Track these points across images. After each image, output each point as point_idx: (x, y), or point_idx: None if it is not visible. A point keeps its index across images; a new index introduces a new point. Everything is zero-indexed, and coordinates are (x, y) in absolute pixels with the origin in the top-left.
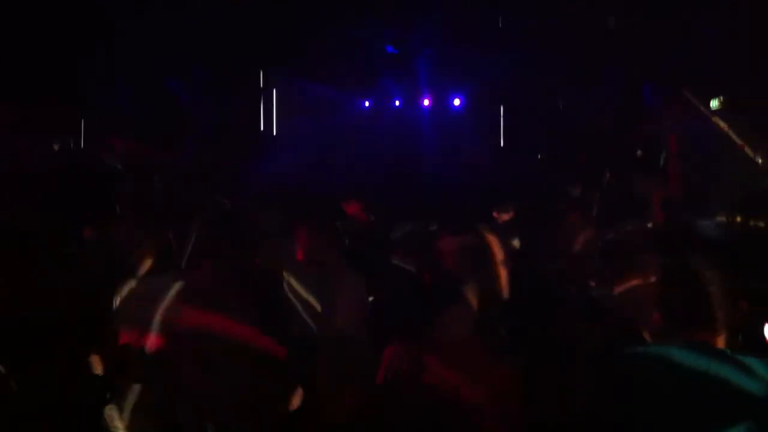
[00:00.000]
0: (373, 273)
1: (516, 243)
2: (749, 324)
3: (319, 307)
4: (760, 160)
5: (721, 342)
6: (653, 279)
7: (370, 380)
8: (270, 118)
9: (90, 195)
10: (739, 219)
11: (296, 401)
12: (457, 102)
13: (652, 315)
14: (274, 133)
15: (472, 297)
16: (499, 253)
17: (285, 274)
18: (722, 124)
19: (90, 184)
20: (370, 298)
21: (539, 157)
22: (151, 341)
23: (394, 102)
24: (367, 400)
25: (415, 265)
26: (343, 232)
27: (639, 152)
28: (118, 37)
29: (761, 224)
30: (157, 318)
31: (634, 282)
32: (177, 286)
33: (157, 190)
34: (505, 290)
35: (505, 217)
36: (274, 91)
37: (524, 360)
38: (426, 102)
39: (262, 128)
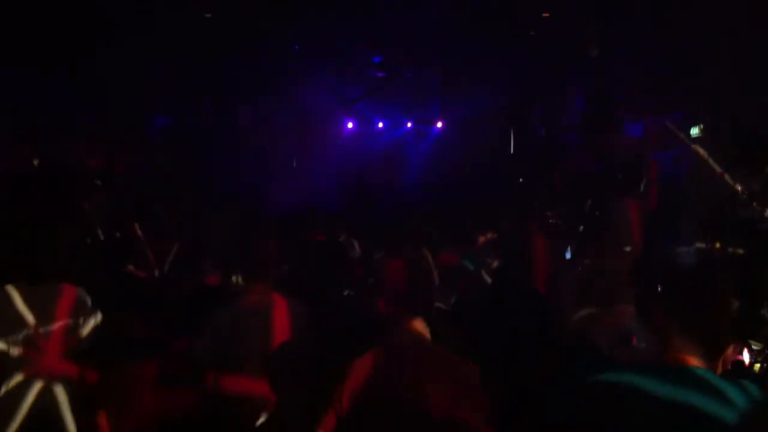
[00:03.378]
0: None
1: (495, 264)
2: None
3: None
4: (739, 188)
5: (699, 365)
6: (631, 303)
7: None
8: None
9: (56, 202)
10: (717, 246)
11: None
12: (439, 125)
13: (629, 339)
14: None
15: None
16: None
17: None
18: (702, 152)
19: (57, 192)
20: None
21: (520, 180)
22: None
23: (377, 124)
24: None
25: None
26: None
27: (619, 177)
28: (97, 46)
29: (740, 251)
30: None
31: (609, 306)
32: None
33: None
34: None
35: (483, 239)
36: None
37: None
38: (408, 125)
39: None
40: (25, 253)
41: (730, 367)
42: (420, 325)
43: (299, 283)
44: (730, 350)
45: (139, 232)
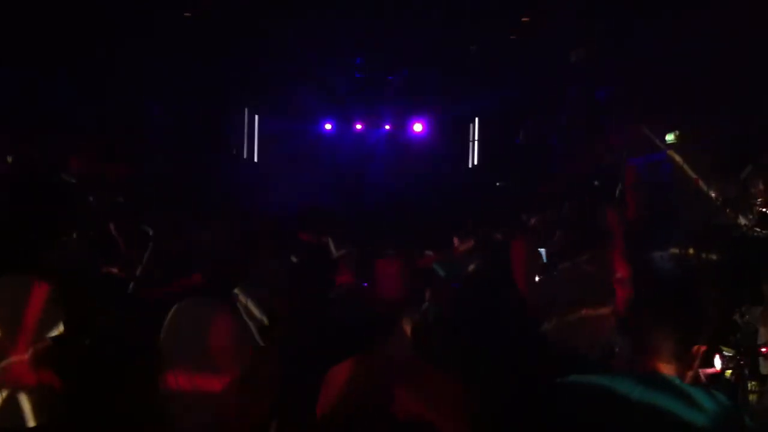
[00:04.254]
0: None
1: (471, 269)
2: (701, 356)
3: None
4: (713, 194)
5: (671, 372)
6: (606, 309)
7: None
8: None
9: (44, 210)
10: (692, 252)
11: None
12: (418, 128)
13: (603, 344)
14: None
15: (408, 322)
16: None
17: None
18: (677, 158)
19: (44, 199)
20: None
21: (497, 184)
22: None
23: (356, 126)
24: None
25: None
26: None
27: (596, 183)
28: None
29: (714, 257)
30: None
31: (587, 311)
32: None
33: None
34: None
35: (463, 244)
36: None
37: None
38: (387, 127)
39: (245, 154)
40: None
41: (702, 377)
42: (408, 328)
43: (284, 283)
44: (699, 355)
45: (115, 232)
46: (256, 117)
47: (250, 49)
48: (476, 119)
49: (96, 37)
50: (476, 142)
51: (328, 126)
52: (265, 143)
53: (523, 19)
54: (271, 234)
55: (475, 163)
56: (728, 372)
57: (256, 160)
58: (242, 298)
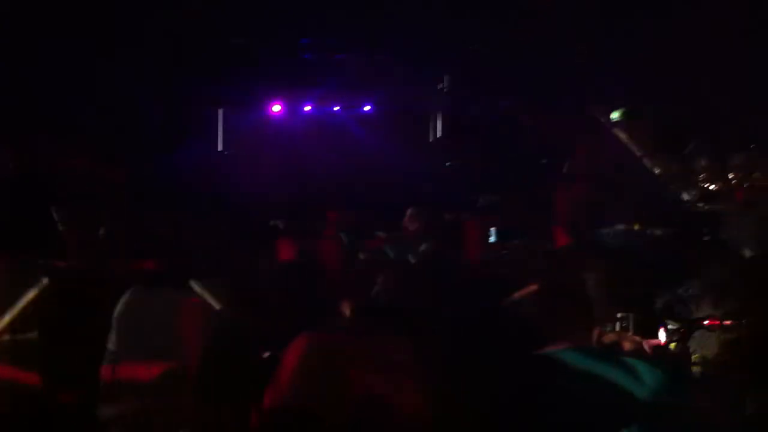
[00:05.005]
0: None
1: (423, 249)
2: (644, 328)
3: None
4: (658, 171)
5: (610, 346)
6: (551, 286)
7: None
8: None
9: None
10: (637, 227)
11: None
12: (367, 108)
13: (547, 320)
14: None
15: (349, 303)
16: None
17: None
18: (623, 135)
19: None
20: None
21: (447, 164)
22: None
23: (305, 107)
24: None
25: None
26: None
27: (543, 162)
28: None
29: (659, 233)
30: None
31: (532, 289)
32: None
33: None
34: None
35: (413, 225)
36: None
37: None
38: (336, 108)
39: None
40: None
41: (647, 349)
42: (348, 309)
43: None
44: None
45: (56, 218)
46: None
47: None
48: (425, 98)
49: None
50: (427, 122)
51: (276, 108)
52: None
53: None
54: (224, 223)
55: (427, 142)
56: (672, 345)
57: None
58: (197, 287)
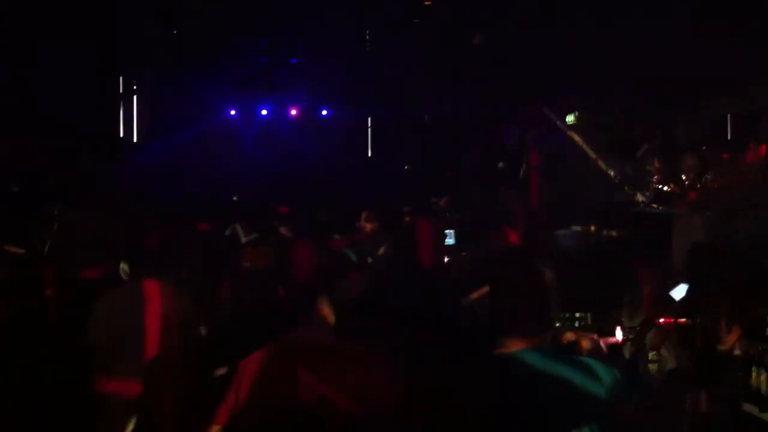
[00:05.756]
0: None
1: (381, 252)
2: (599, 329)
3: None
4: (612, 173)
5: (569, 345)
6: (507, 287)
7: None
8: (130, 123)
9: None
10: (593, 229)
11: None
12: (324, 112)
13: (504, 321)
14: (135, 139)
15: (326, 304)
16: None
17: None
18: (578, 139)
19: None
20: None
21: (405, 167)
22: None
23: (261, 111)
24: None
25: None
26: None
27: (501, 165)
28: None
29: (613, 234)
30: None
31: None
32: None
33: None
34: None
35: (369, 227)
36: (135, 96)
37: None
38: (293, 112)
39: (121, 134)
40: None
41: (604, 347)
42: (327, 310)
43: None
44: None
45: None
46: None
47: (151, 33)
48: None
49: None
50: (386, 126)
51: (232, 112)
52: (169, 131)
53: (426, 3)
54: (180, 224)
55: (385, 145)
56: (628, 343)
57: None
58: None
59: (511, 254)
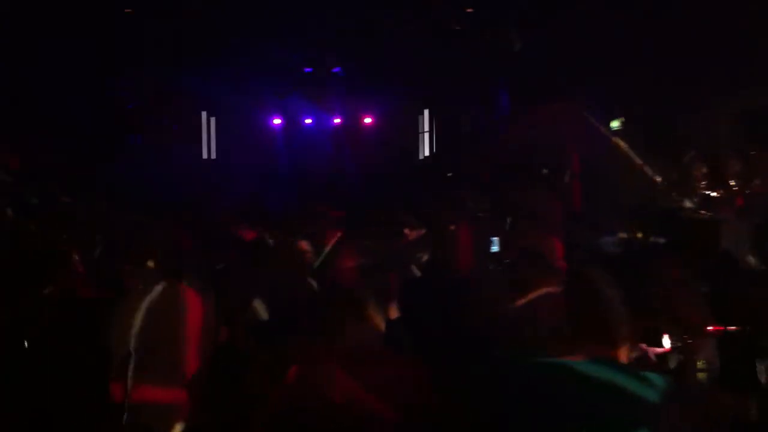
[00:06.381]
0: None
1: (425, 258)
2: (649, 338)
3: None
4: (658, 179)
5: (621, 356)
6: (556, 294)
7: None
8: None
9: None
10: (639, 236)
11: None
12: (368, 120)
13: (556, 329)
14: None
15: (371, 308)
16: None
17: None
18: (622, 144)
19: None
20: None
21: (448, 175)
22: None
23: (305, 119)
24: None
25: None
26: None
27: (544, 171)
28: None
29: (660, 241)
30: None
31: (537, 296)
32: None
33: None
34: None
35: (412, 233)
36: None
37: (430, 369)
38: (337, 120)
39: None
40: None
41: (652, 356)
42: (371, 314)
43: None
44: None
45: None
46: (213, 119)
47: (204, 49)
48: (425, 111)
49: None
50: (426, 134)
51: (277, 121)
52: (220, 142)
53: (467, 10)
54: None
55: (426, 154)
56: (676, 351)
57: (214, 158)
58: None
59: (558, 264)
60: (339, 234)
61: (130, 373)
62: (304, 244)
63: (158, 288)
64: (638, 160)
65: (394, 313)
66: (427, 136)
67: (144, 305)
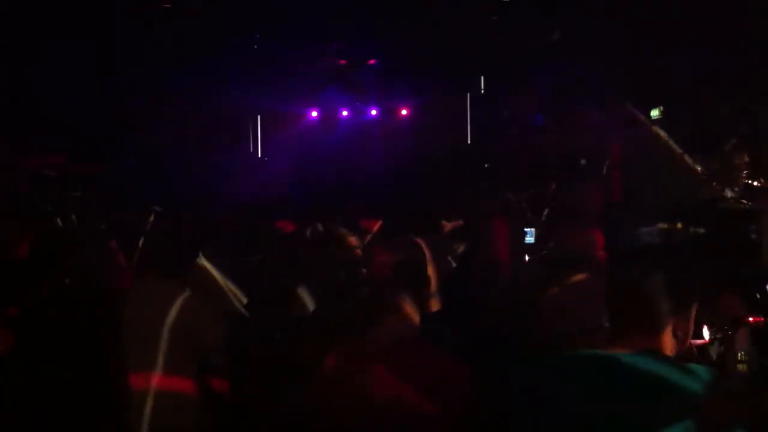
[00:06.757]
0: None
1: (461, 249)
2: (694, 330)
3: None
4: (699, 169)
5: (666, 349)
6: (596, 285)
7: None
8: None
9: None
10: (680, 226)
11: None
12: (404, 112)
13: (598, 321)
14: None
15: (407, 301)
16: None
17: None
18: (662, 134)
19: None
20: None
21: (486, 166)
22: None
23: (341, 112)
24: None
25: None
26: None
27: (583, 162)
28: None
29: (701, 231)
30: None
31: (576, 288)
32: None
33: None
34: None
35: (449, 225)
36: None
37: (467, 363)
38: (374, 112)
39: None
40: None
41: (693, 348)
42: (408, 307)
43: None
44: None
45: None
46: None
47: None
48: (467, 96)
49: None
50: (463, 123)
51: (314, 114)
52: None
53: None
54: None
55: (469, 141)
56: (716, 343)
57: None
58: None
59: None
60: (378, 225)
61: (141, 365)
62: (354, 240)
63: (162, 284)
64: (678, 150)
65: (432, 306)
66: (469, 126)
67: (148, 302)
